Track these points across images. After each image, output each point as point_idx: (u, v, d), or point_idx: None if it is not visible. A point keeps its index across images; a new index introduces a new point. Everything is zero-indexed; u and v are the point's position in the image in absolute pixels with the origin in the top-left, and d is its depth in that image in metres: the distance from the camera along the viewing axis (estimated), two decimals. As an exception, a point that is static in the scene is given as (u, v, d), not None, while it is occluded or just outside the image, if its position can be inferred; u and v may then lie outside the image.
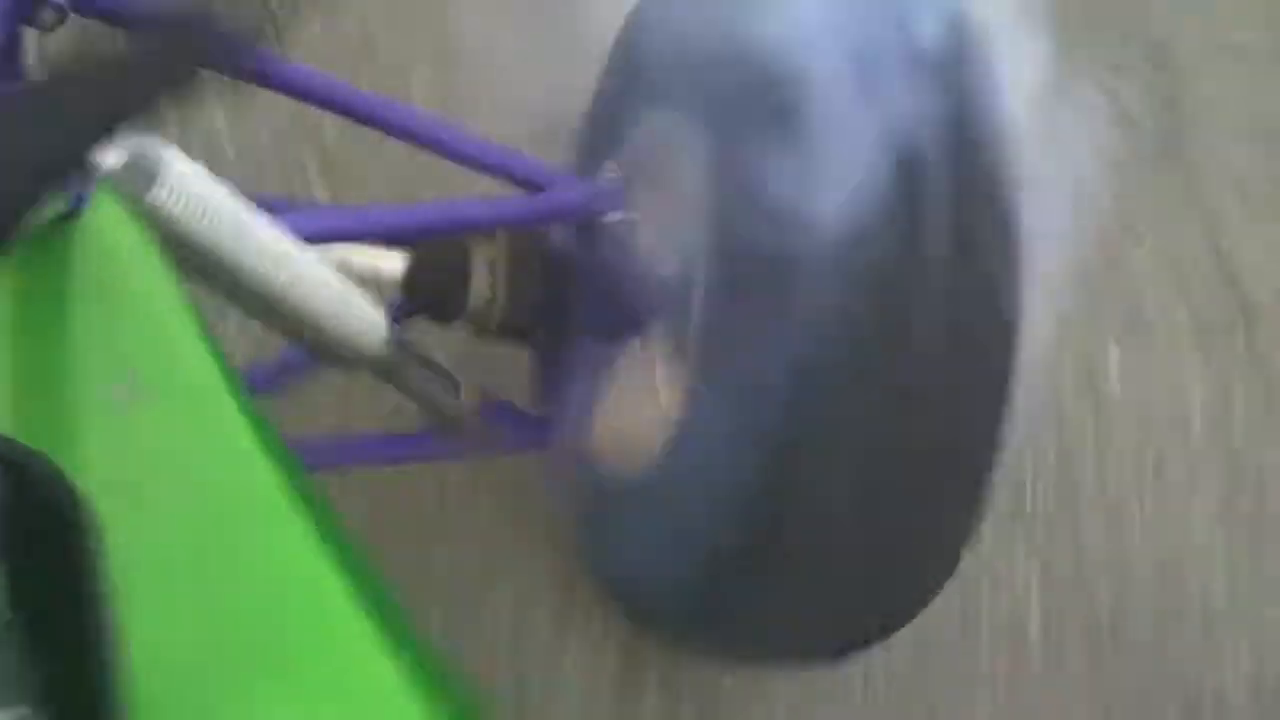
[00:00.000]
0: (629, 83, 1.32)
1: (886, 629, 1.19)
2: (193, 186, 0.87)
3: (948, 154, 1.00)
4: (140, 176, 0.83)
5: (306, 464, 1.14)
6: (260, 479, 0.60)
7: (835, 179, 0.98)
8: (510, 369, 1.43)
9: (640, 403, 1.35)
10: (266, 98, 1.19)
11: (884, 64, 1.02)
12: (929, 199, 0.99)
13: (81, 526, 0.55)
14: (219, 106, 1.52)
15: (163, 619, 0.54)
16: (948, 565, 1.14)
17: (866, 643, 1.21)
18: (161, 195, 0.84)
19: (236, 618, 0.54)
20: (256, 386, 1.20)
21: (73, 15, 0.97)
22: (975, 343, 1.04)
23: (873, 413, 1.01)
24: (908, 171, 0.99)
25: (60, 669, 0.54)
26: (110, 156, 0.79)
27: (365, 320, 1.06)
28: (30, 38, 0.92)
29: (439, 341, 1.33)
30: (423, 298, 1.21)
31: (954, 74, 1.03)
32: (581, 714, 1.47)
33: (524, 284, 1.24)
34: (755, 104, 1.05)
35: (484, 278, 1.23)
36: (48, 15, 0.92)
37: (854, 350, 0.99)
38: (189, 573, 0.56)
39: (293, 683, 0.53)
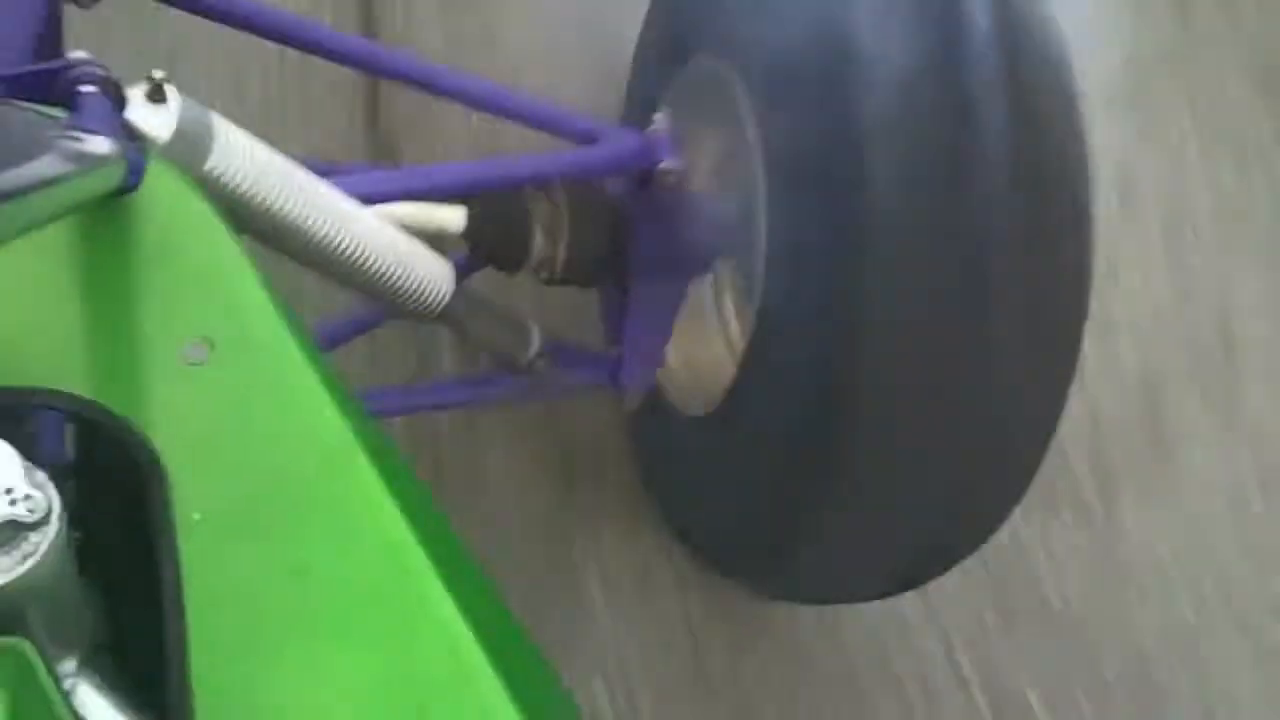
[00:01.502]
0: (671, 28, 1.32)
1: (956, 552, 1.19)
2: (246, 154, 0.88)
3: (997, 27, 0.99)
4: (194, 146, 0.83)
5: (380, 411, 1.16)
6: (331, 432, 0.61)
7: (883, 74, 0.98)
8: (579, 313, 1.44)
9: (708, 339, 1.35)
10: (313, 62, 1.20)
11: None
12: (982, 80, 0.98)
13: (155, 482, 0.57)
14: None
15: (230, 571, 0.55)
16: (1022, 477, 1.12)
17: (941, 566, 1.20)
18: (216, 163, 0.85)
19: (303, 571, 0.55)
20: (328, 341, 1.23)
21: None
22: (1048, 228, 1.02)
23: (942, 316, 0.99)
24: (958, 53, 0.98)
25: (128, 620, 0.56)
26: (162, 128, 0.80)
27: (431, 274, 1.07)
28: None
29: (506, 290, 1.34)
30: (487, 249, 1.23)
31: None
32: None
33: (585, 231, 1.26)
34: (799, 16, 1.05)
35: (545, 227, 1.24)
36: (86, -7, 0.93)
37: (918, 250, 0.98)
38: (260, 524, 0.57)
39: (357, 633, 0.54)
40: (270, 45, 1.19)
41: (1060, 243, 1.03)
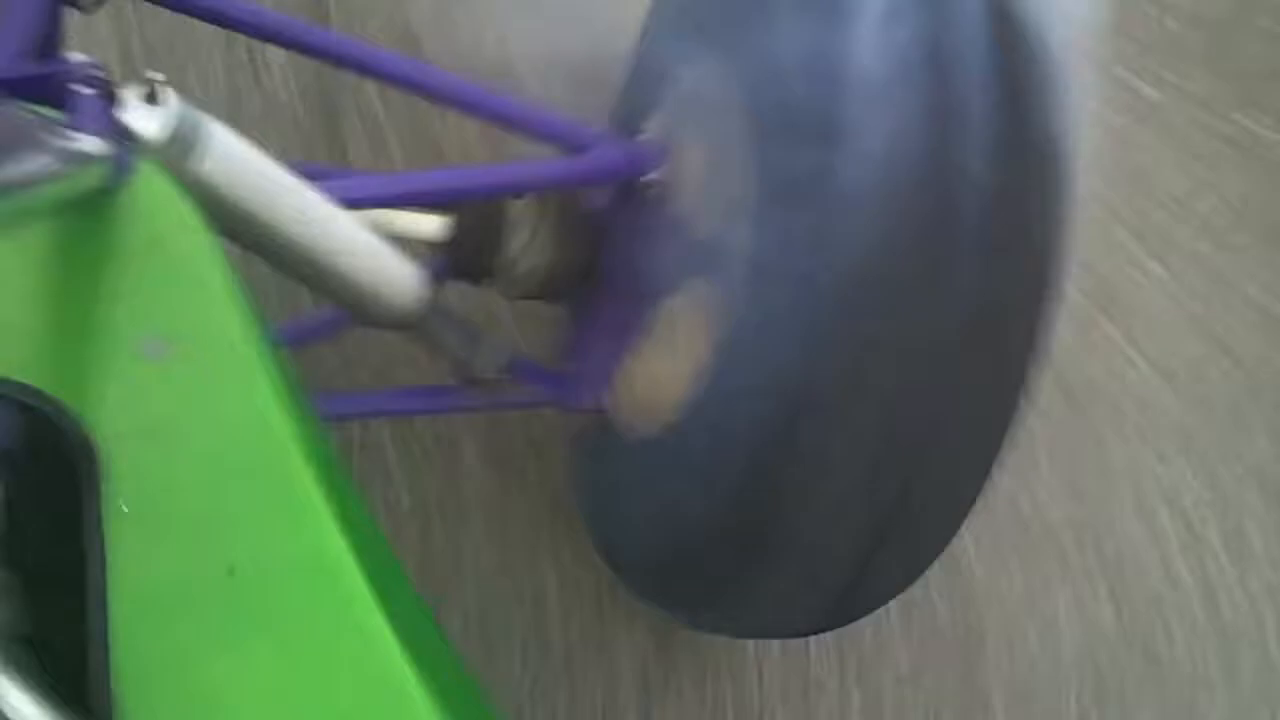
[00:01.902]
0: (667, 39, 1.32)
1: (899, 585, 1.20)
2: (234, 154, 0.90)
3: (986, 57, 1.00)
4: (182, 145, 0.86)
5: (337, 414, 1.18)
6: (273, 436, 0.62)
7: (874, 96, 0.98)
8: (537, 327, 1.47)
9: (667, 361, 1.36)
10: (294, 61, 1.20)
11: None
12: (968, 112, 0.99)
13: (85, 466, 0.57)
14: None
15: (160, 568, 0.56)
16: (964, 508, 1.14)
17: (884, 596, 1.22)
18: (203, 163, 0.87)
19: (233, 572, 0.56)
20: (292, 341, 1.23)
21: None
22: (1018, 274, 1.04)
23: (905, 353, 1.01)
24: (946, 83, 0.98)
25: (54, 613, 0.56)
26: (153, 128, 0.83)
27: (402, 282, 1.09)
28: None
29: (466, 299, 1.36)
30: (462, 259, 1.24)
31: None
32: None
33: (562, 246, 1.27)
34: (791, 40, 1.06)
35: (523, 240, 1.25)
36: (88, -3, 0.95)
37: (892, 283, 0.99)
38: (191, 521, 0.58)
39: (280, 638, 0.54)
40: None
41: (1020, 319, 1.06)
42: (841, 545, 1.11)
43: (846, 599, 1.19)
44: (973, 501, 1.14)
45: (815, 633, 1.33)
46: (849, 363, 1.01)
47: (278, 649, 0.54)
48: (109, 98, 0.77)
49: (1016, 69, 1.02)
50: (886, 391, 1.02)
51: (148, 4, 1.09)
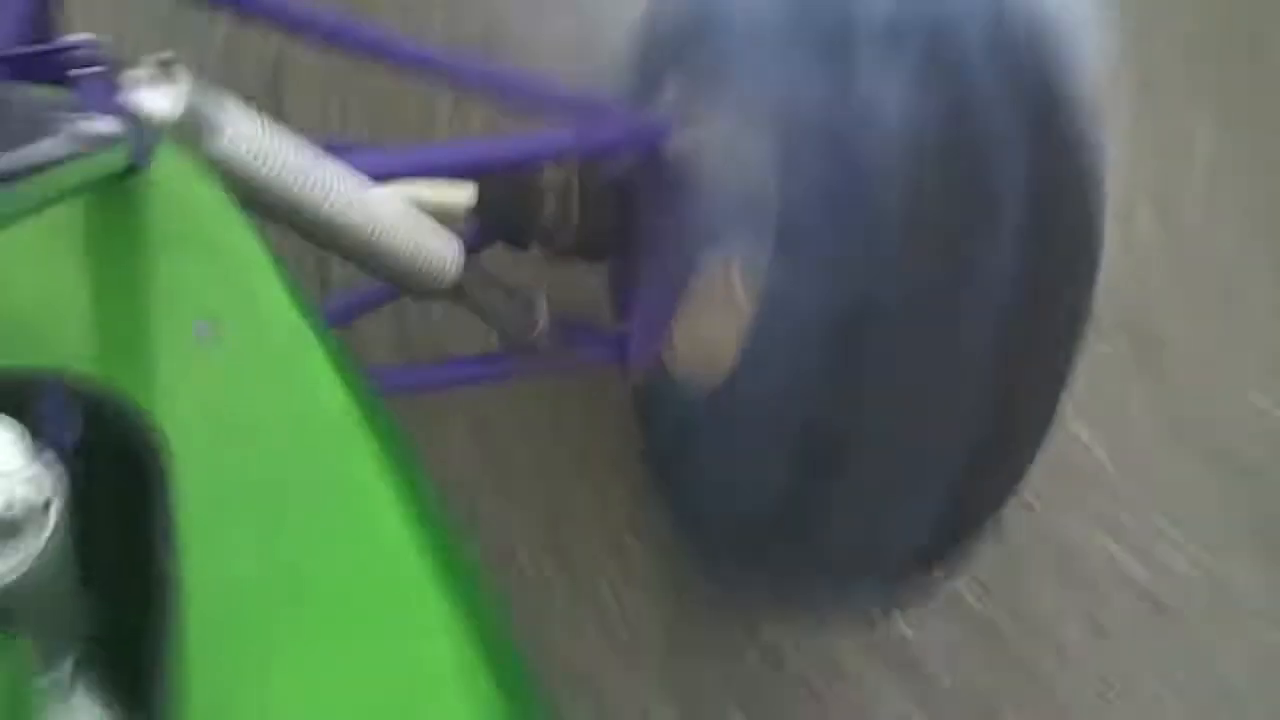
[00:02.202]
0: (684, 6, 1.30)
1: (965, 539, 1.18)
2: (254, 134, 0.88)
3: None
4: (201, 127, 0.83)
5: (390, 389, 1.16)
6: (336, 413, 0.60)
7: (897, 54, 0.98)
8: (587, 288, 1.44)
9: (716, 316, 1.35)
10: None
11: None
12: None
13: (154, 460, 0.56)
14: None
15: (230, 548, 0.54)
16: (1022, 464, 1.12)
17: (950, 554, 1.20)
18: (224, 144, 0.85)
19: (301, 560, 0.55)
20: (340, 318, 1.22)
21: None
22: (1057, 217, 1.02)
23: (948, 285, 1.00)
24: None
25: (125, 601, 0.55)
26: (169, 108, 0.80)
27: (439, 251, 1.07)
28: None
29: (515, 265, 1.33)
30: (496, 225, 1.23)
31: None
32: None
33: (593, 207, 1.26)
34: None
35: (554, 202, 1.24)
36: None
37: (927, 218, 0.99)
38: (261, 505, 0.56)
39: (350, 631, 0.53)
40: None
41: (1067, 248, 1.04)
42: (902, 498, 1.09)
43: (904, 560, 1.17)
44: (1034, 453, 1.12)
45: (871, 604, 1.31)
46: (890, 308, 1.01)
47: (345, 644, 0.52)
48: (119, 78, 0.73)
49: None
50: (932, 336, 1.02)
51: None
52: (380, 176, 1.07)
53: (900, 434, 1.05)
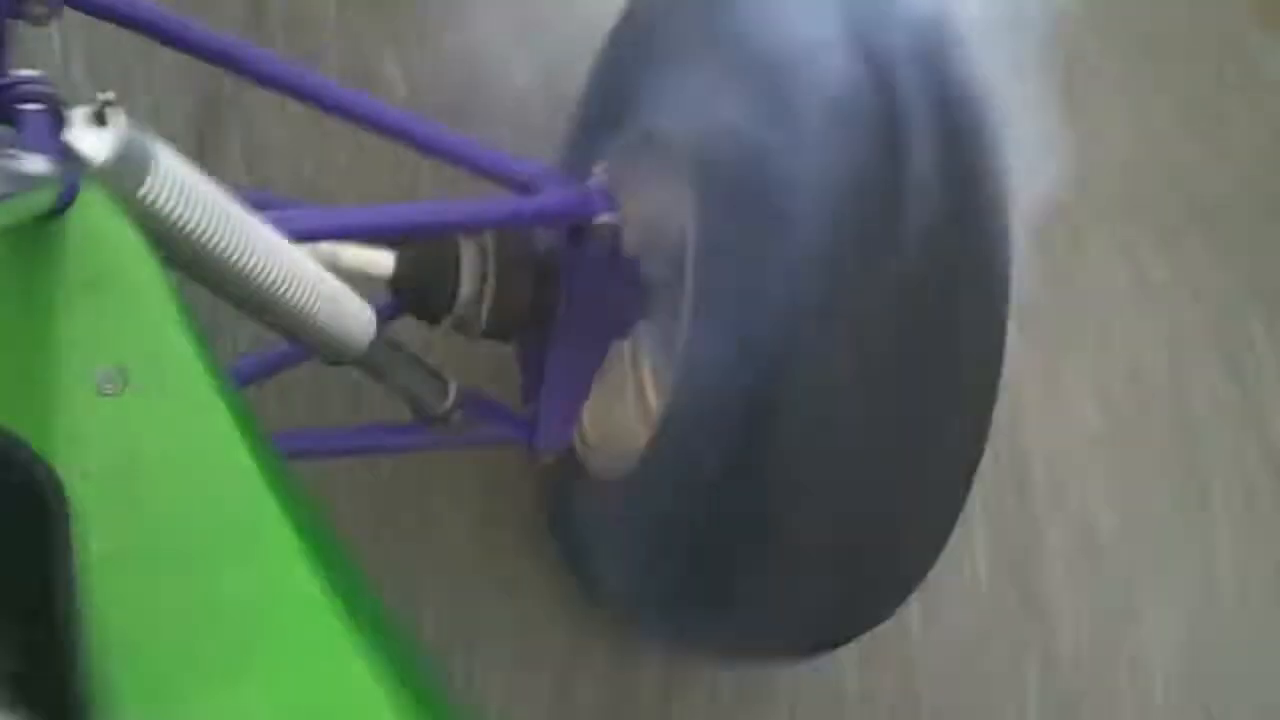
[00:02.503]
0: (615, 88, 1.32)
1: (870, 617, 1.20)
2: (181, 181, 0.87)
3: (920, 63, 1.03)
4: (129, 171, 0.82)
5: (291, 453, 1.15)
6: (239, 470, 0.61)
7: (817, 104, 1.00)
8: (497, 366, 1.43)
9: (625, 402, 1.36)
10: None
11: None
12: (908, 111, 1.01)
13: (56, 512, 0.55)
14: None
15: (136, 606, 0.54)
16: (938, 538, 1.13)
17: (853, 630, 1.22)
18: (151, 190, 0.84)
19: (210, 608, 0.55)
20: (245, 377, 1.20)
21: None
22: (972, 273, 1.04)
23: (863, 359, 1.01)
24: (885, 85, 1.01)
25: (28, 658, 0.54)
26: (100, 151, 0.80)
27: (353, 317, 1.06)
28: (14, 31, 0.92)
29: (425, 338, 1.33)
30: (411, 296, 1.22)
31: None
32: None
33: (512, 285, 1.25)
34: (737, 80, 1.07)
35: (472, 278, 1.23)
36: (38, 9, 0.92)
37: (838, 295, 1.00)
38: (164, 561, 0.57)
39: (262, 675, 0.53)
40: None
41: (971, 345, 1.06)
42: (816, 571, 1.10)
43: (848, 605, 1.18)
44: (949, 528, 1.13)
45: (793, 660, 1.32)
46: (806, 405, 1.01)
47: (258, 685, 0.53)
48: (57, 116, 0.73)
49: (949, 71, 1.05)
50: (850, 425, 1.02)
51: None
52: (303, 235, 1.06)
53: (803, 521, 1.06)
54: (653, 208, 1.31)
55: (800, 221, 0.99)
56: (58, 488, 0.56)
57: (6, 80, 0.71)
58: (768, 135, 1.02)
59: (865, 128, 1.01)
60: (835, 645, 1.25)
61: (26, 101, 0.71)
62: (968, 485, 1.10)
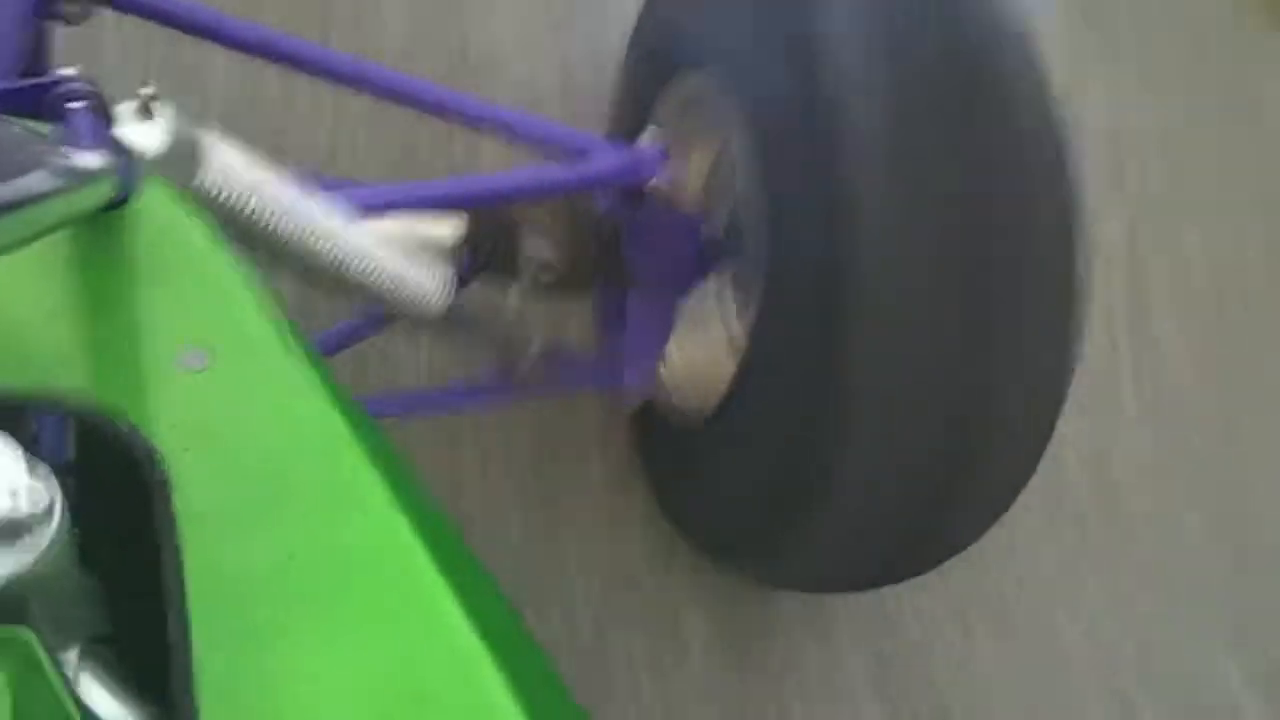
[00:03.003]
0: (660, 43, 1.33)
1: (944, 549, 1.20)
2: (238, 169, 0.88)
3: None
4: (185, 161, 0.84)
5: (384, 413, 1.17)
6: (330, 432, 0.62)
7: (866, 82, 0.99)
8: (574, 321, 1.45)
9: (708, 342, 1.36)
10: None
11: None
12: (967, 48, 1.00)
13: (157, 484, 0.57)
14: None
15: (231, 561, 0.56)
16: (1015, 479, 1.12)
17: (931, 560, 1.22)
18: (208, 177, 0.85)
19: (310, 562, 0.56)
20: (330, 347, 1.23)
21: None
22: (1041, 228, 1.03)
23: (937, 311, 1.00)
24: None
25: (129, 615, 0.57)
26: (150, 143, 0.81)
27: (424, 284, 1.08)
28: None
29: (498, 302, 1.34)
30: (482, 258, 1.23)
31: None
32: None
33: (577, 242, 1.26)
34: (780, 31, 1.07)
35: (538, 238, 1.25)
36: (73, 9, 0.93)
37: (912, 251, 0.99)
38: (259, 520, 0.58)
39: (357, 623, 0.54)
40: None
41: (1053, 248, 1.04)
42: (893, 502, 1.09)
43: (897, 557, 1.19)
44: (1029, 469, 1.12)
45: (870, 587, 1.31)
46: (880, 328, 1.00)
47: (353, 636, 0.54)
48: (102, 112, 0.74)
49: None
50: (923, 349, 1.01)
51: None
52: (369, 211, 1.08)
53: (890, 446, 1.05)
54: (709, 162, 1.31)
55: (860, 145, 0.99)
56: (157, 461, 0.58)
57: (50, 79, 0.72)
58: (819, 73, 1.01)
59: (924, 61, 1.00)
60: (909, 574, 1.25)
61: (71, 99, 0.71)
62: (1056, 408, 1.08)
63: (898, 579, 1.27)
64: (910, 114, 0.99)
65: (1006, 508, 1.15)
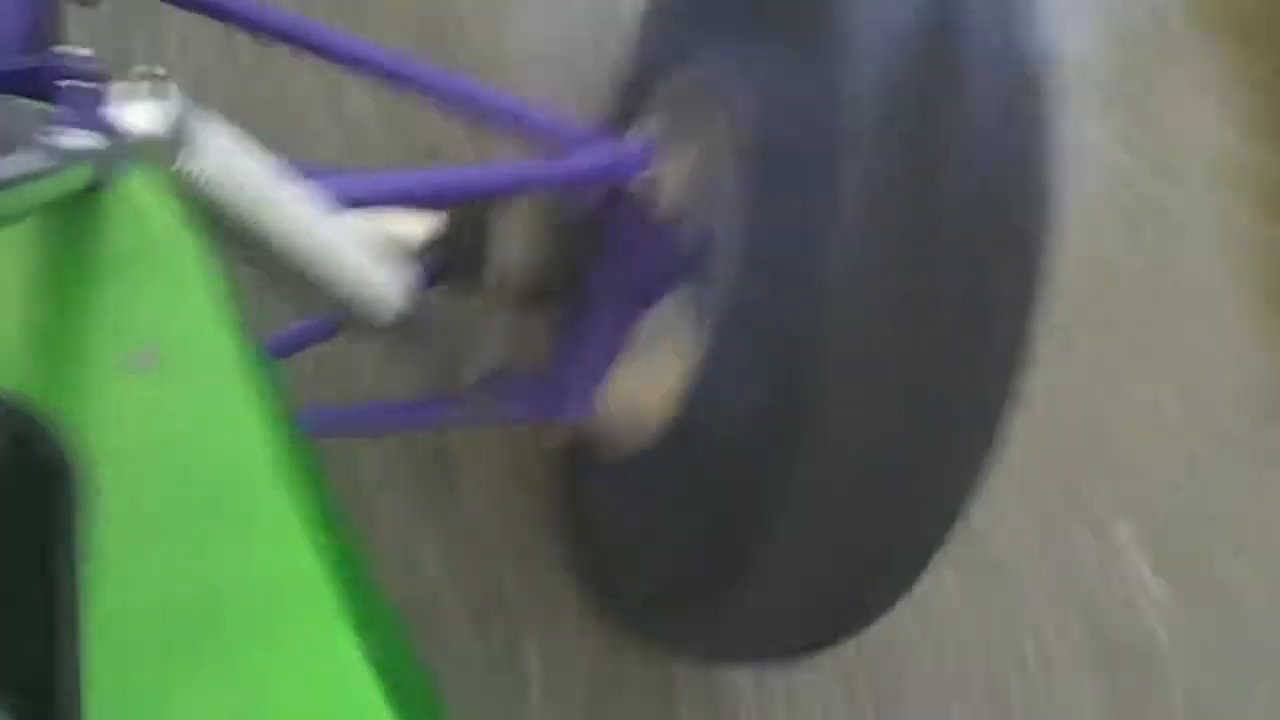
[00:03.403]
0: (659, 41, 1.31)
1: (888, 600, 1.18)
2: (224, 153, 0.87)
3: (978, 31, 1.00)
4: (173, 143, 0.83)
5: (320, 431, 1.17)
6: (257, 453, 0.61)
7: (865, 67, 0.98)
8: (527, 338, 1.44)
9: (654, 371, 1.36)
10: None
11: None
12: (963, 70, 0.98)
13: (67, 486, 0.56)
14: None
15: (140, 574, 0.55)
16: (953, 518, 1.11)
17: (873, 614, 1.20)
18: (194, 162, 0.85)
19: (210, 590, 0.55)
20: (281, 351, 1.22)
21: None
22: (1008, 250, 1.02)
23: (899, 354, 0.99)
24: (938, 49, 0.98)
25: (24, 626, 0.56)
26: (151, 122, 0.80)
27: (386, 286, 1.07)
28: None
29: (457, 312, 1.33)
30: (449, 264, 1.22)
31: None
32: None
33: (546, 251, 1.25)
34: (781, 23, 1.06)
35: (506, 244, 1.24)
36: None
37: (881, 261, 0.98)
38: (172, 539, 0.57)
39: (255, 663, 0.54)
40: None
41: (1007, 299, 1.03)
42: (839, 551, 1.09)
43: (853, 604, 1.17)
44: (966, 504, 1.11)
45: (805, 654, 1.29)
46: (842, 369, 0.99)
47: (250, 670, 0.53)
48: (104, 92, 0.74)
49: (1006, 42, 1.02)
50: (883, 390, 1.00)
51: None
52: (342, 201, 1.07)
53: (840, 488, 1.03)
54: (691, 166, 1.30)
55: (846, 179, 0.98)
56: (76, 459, 0.57)
57: (47, 57, 0.71)
58: (816, 86, 1.00)
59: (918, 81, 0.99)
60: (849, 635, 1.23)
61: (69, 78, 0.71)
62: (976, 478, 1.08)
63: (817, 649, 1.24)
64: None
65: (919, 578, 1.15)
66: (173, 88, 0.82)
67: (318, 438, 1.25)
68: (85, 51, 0.73)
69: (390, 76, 1.25)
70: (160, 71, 0.81)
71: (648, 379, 1.36)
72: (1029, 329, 1.04)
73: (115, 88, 0.78)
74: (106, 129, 0.73)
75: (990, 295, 1.02)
